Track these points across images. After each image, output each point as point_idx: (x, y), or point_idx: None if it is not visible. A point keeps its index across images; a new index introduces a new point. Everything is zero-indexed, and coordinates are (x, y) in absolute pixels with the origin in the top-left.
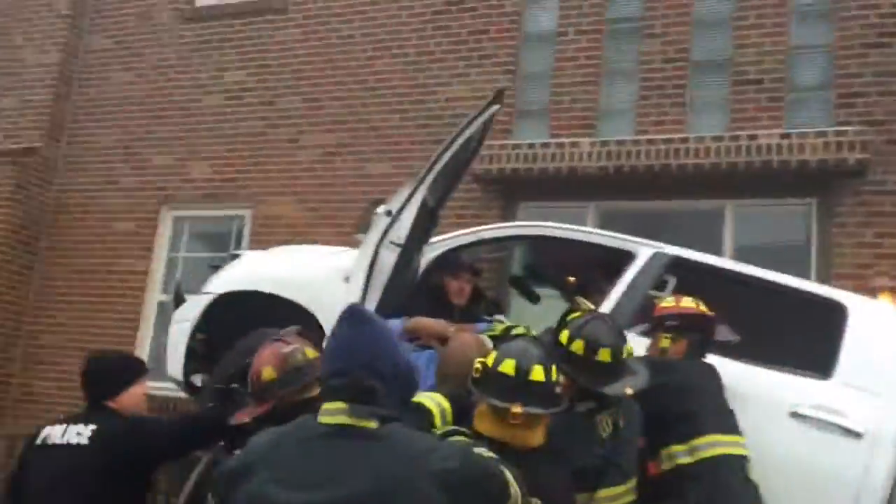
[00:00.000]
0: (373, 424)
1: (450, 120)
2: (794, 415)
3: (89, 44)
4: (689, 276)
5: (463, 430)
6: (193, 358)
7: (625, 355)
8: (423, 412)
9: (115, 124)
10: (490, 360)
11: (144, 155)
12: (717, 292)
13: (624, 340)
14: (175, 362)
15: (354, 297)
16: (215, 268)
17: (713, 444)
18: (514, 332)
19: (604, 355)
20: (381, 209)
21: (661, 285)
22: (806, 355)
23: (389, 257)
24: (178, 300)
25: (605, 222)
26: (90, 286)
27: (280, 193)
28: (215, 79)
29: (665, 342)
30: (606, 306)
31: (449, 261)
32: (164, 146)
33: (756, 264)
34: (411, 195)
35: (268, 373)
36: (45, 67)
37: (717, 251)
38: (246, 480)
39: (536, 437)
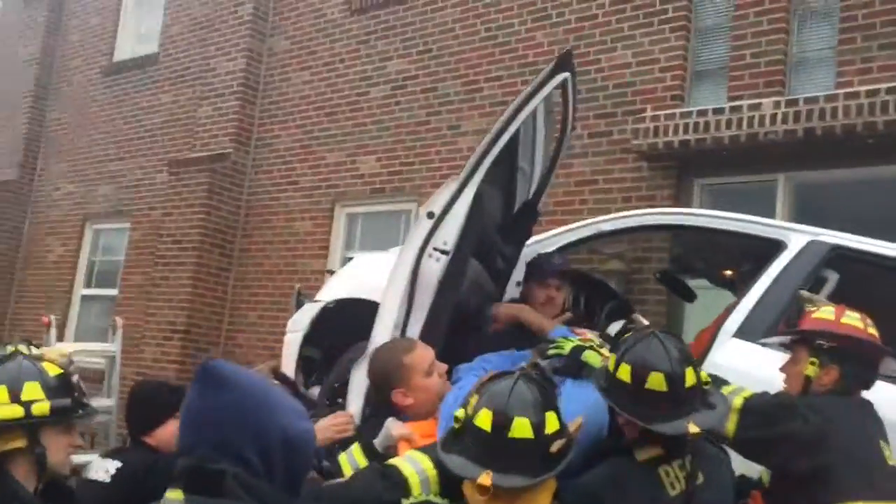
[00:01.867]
0: None
1: (614, 90)
2: None
3: (272, 47)
4: (855, 272)
5: (438, 502)
6: (312, 369)
7: (690, 383)
8: (396, 480)
9: (294, 125)
10: (470, 408)
11: (319, 153)
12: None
13: (690, 363)
14: (289, 374)
15: (390, 317)
16: (331, 272)
17: None
18: (585, 354)
19: (656, 382)
20: (421, 209)
21: (817, 283)
22: None
23: (433, 267)
24: (299, 307)
25: (798, 197)
26: (276, 286)
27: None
28: (380, 69)
29: (811, 369)
30: (738, 313)
31: (536, 264)
32: (335, 143)
33: None
34: (458, 191)
35: None
36: (233, 74)
37: None
38: None
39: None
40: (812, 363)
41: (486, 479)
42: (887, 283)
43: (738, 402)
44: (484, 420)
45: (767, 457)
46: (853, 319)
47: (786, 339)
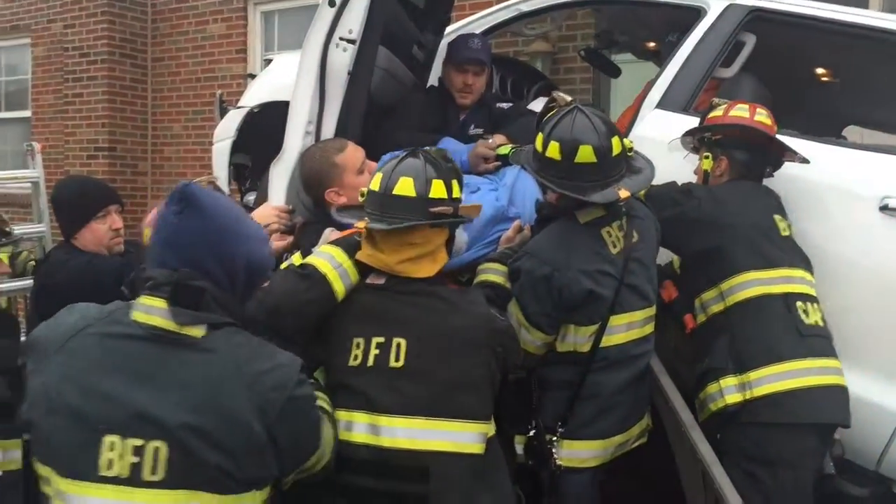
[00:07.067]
0: (198, 332)
1: None
2: (886, 209)
3: None
4: (773, 34)
5: None
6: (244, 176)
7: (617, 152)
8: (315, 277)
9: None
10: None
11: None
12: (812, 51)
13: (615, 133)
14: (222, 187)
15: (303, 113)
16: (252, 76)
17: (745, 285)
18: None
19: (585, 155)
20: None
21: (736, 47)
22: None
23: (342, 58)
24: (223, 115)
25: None
26: (197, 94)
27: None
28: None
29: (706, 162)
30: (660, 84)
31: (453, 46)
32: None
33: None
34: None
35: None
36: None
37: None
38: (45, 364)
39: (417, 267)
40: (706, 157)
41: (362, 224)
42: (805, 42)
43: None
44: (375, 182)
45: (665, 237)
46: (740, 111)
47: (689, 143)
